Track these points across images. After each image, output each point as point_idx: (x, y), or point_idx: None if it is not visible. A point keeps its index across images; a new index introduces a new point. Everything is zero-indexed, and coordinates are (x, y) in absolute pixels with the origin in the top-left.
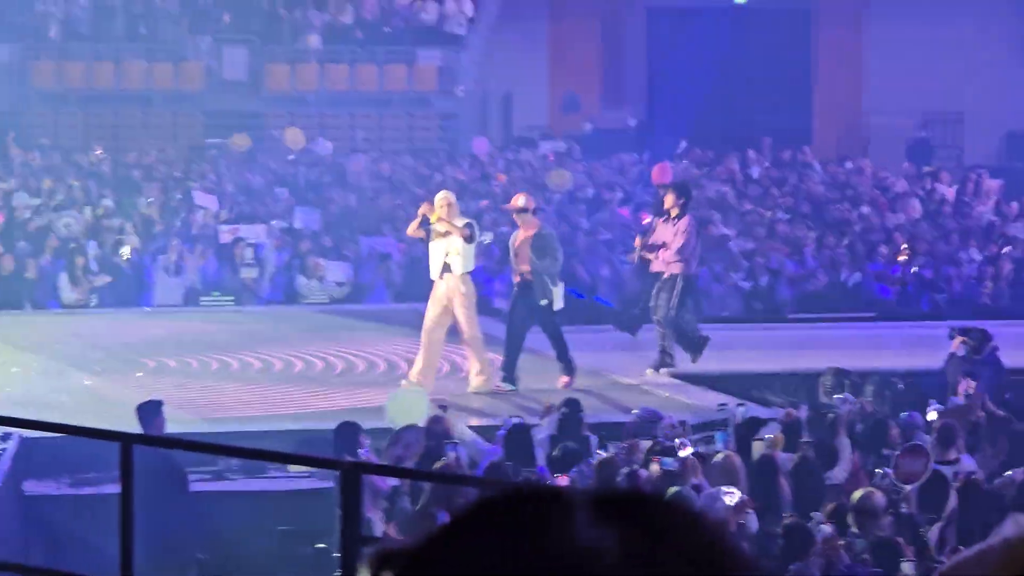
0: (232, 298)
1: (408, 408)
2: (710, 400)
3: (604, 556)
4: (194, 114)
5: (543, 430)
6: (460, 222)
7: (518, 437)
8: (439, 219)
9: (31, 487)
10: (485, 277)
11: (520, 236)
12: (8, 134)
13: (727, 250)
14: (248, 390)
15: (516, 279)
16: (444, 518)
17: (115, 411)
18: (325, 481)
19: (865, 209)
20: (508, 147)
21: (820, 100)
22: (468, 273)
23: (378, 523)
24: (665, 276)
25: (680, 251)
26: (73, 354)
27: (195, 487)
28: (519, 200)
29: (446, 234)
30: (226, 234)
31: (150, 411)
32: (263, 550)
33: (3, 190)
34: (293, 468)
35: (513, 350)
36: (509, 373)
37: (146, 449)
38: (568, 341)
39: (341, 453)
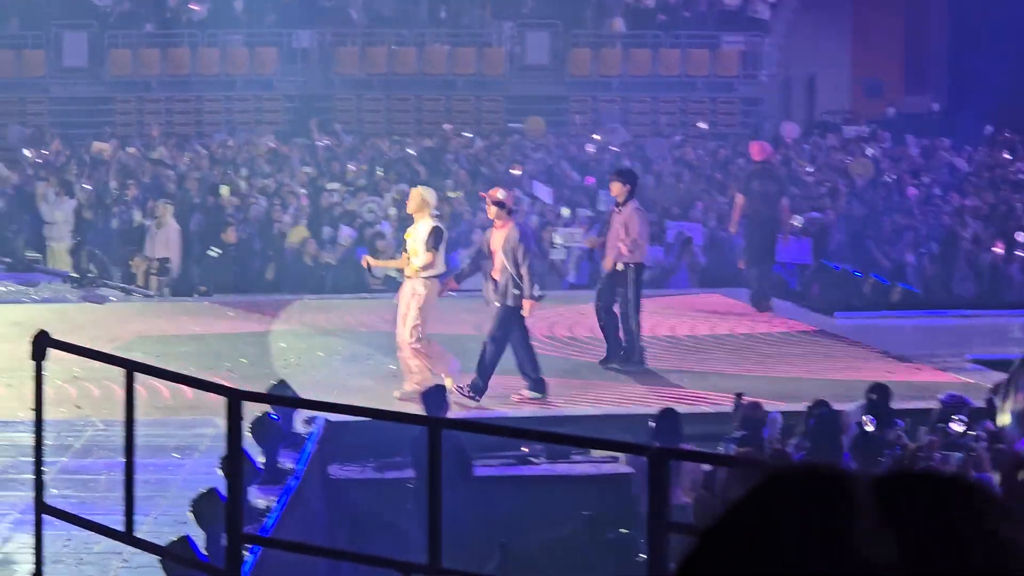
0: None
1: None
2: None
3: (882, 554)
4: (496, 99)
5: (851, 416)
6: (427, 225)
7: (827, 423)
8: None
9: (336, 471)
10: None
11: (493, 235)
12: (313, 120)
13: None
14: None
15: (488, 281)
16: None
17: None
18: (628, 466)
19: None
20: (811, 132)
21: None
22: (429, 276)
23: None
24: (619, 268)
25: (628, 242)
26: (377, 339)
27: (499, 471)
28: (497, 193)
29: (414, 231)
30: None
31: (435, 396)
32: (567, 535)
33: (308, 175)
34: (596, 452)
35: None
36: (483, 383)
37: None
38: (872, 327)
39: (662, 439)
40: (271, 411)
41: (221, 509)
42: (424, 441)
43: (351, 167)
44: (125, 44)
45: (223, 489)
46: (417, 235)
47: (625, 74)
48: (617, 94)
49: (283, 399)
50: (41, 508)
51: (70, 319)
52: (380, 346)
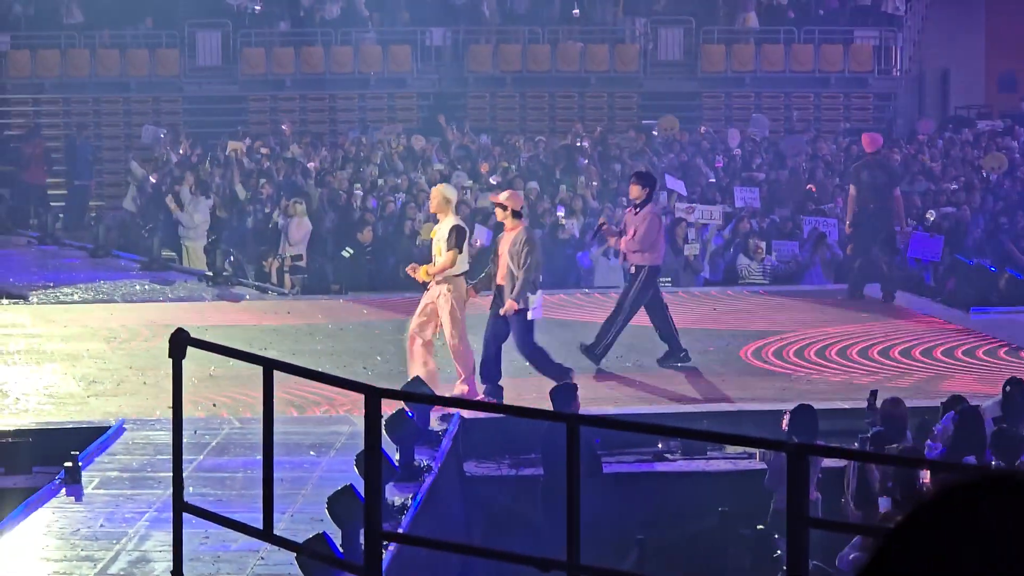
0: (669, 279)
1: None
2: None
3: None
4: (629, 95)
5: (987, 412)
6: (448, 222)
7: (969, 420)
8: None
9: (471, 468)
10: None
11: (502, 239)
12: (445, 117)
13: None
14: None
15: (496, 284)
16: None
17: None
18: (763, 463)
19: None
20: (945, 127)
21: None
22: (458, 276)
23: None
24: (630, 269)
25: (640, 241)
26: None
27: (634, 468)
28: (499, 197)
29: (438, 230)
30: (682, 212)
31: (565, 394)
32: (703, 531)
33: (441, 173)
34: (731, 448)
35: (489, 361)
36: (491, 384)
37: (561, 433)
38: (1008, 322)
39: (797, 436)
40: (406, 408)
41: (358, 506)
42: (554, 439)
43: (484, 164)
44: (259, 43)
45: (359, 486)
46: (440, 235)
47: (758, 70)
48: (750, 90)
49: (420, 396)
50: (180, 506)
51: (206, 317)
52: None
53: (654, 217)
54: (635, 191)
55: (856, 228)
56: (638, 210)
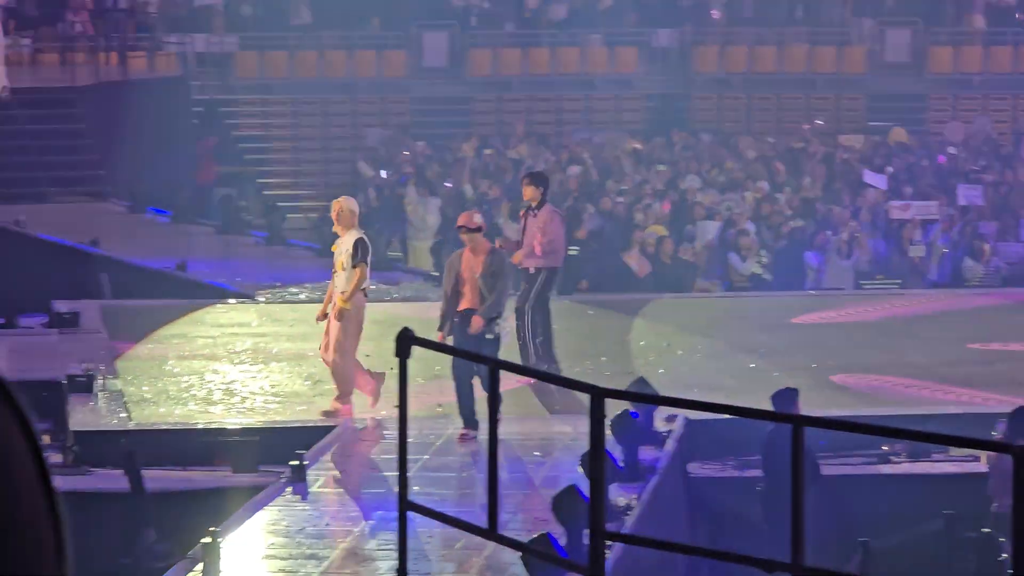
0: (899, 281)
1: None
2: None
3: None
4: (856, 97)
5: None
6: (351, 236)
7: None
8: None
9: (695, 469)
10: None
11: (469, 259)
12: (671, 118)
13: None
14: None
15: (461, 307)
16: None
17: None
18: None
19: None
20: None
21: None
22: (361, 290)
23: None
24: (530, 271)
25: (544, 244)
26: (737, 336)
27: (859, 470)
28: (461, 219)
29: (340, 244)
30: (897, 210)
31: (785, 399)
32: (927, 534)
33: (662, 175)
34: (956, 451)
35: (464, 394)
36: (467, 417)
37: (782, 435)
38: None
39: (1016, 437)
40: (631, 408)
41: (581, 506)
42: (775, 441)
43: (711, 165)
44: (485, 44)
45: (583, 486)
46: (342, 247)
47: (986, 71)
48: (978, 92)
49: (645, 396)
50: (405, 505)
51: (431, 318)
52: (740, 345)
53: (556, 217)
54: (529, 192)
55: None
56: (536, 212)
